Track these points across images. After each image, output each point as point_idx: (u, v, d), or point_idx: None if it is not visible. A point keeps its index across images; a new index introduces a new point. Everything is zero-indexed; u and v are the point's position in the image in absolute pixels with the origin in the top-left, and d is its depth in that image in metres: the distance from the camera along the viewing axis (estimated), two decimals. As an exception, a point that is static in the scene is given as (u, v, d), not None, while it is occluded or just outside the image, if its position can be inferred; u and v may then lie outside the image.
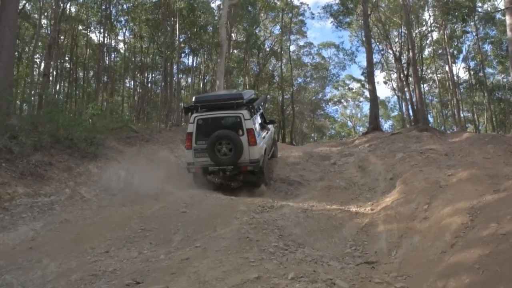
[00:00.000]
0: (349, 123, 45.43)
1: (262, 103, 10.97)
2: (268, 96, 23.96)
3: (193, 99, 8.86)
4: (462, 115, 28.52)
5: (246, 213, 5.82)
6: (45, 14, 17.23)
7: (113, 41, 22.61)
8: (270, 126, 10.56)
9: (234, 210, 5.98)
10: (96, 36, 23.12)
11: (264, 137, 9.18)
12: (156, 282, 3.64)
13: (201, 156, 8.11)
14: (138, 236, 5.16)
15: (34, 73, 16.32)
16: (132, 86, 26.27)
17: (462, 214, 4.46)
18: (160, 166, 9.75)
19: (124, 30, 22.51)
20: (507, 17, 12.24)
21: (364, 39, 23.97)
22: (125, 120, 11.73)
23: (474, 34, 25.32)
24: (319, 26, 75.71)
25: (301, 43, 33.32)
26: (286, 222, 5.50)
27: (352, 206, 6.59)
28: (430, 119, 33.76)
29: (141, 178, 8.32)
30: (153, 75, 25.32)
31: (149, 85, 25.28)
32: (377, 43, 27.68)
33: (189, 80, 27.16)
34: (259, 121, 9.35)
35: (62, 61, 19.45)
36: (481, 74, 26.25)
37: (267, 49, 30.06)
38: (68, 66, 21.00)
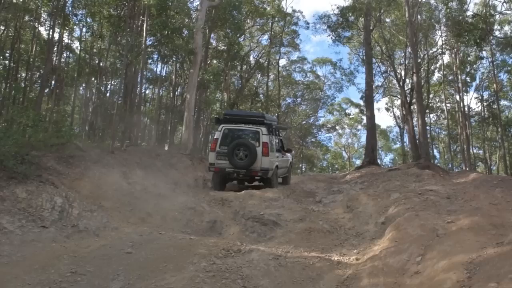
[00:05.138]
0: (344, 154, 46.04)
1: (281, 130, 14.60)
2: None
3: (224, 112, 14.41)
4: (472, 151, 29.18)
5: (205, 257, 5.80)
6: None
7: (66, 38, 22.42)
8: (288, 154, 14.39)
9: (192, 253, 5.95)
10: (46, 31, 22.88)
11: (278, 157, 12.53)
12: None
13: (222, 159, 11.56)
14: (66, 281, 5.00)
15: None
16: (86, 94, 25.96)
17: (459, 270, 4.58)
18: (108, 194, 9.56)
19: (80, 26, 22.41)
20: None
21: (364, 57, 24.73)
22: (69, 135, 11.44)
23: (489, 60, 26.13)
24: (317, 40, 77.99)
25: (293, 57, 33.93)
26: (252, 270, 5.50)
27: (335, 254, 6.61)
28: (437, 154, 34.58)
29: (82, 209, 8.10)
30: (114, 82, 25.13)
31: (107, 94, 25.05)
32: (379, 64, 28.43)
33: (157, 91, 27.09)
34: (276, 141, 12.73)
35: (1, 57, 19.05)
36: (495, 106, 27.07)
37: (252, 61, 30.33)
38: (8, 64, 20.56)
